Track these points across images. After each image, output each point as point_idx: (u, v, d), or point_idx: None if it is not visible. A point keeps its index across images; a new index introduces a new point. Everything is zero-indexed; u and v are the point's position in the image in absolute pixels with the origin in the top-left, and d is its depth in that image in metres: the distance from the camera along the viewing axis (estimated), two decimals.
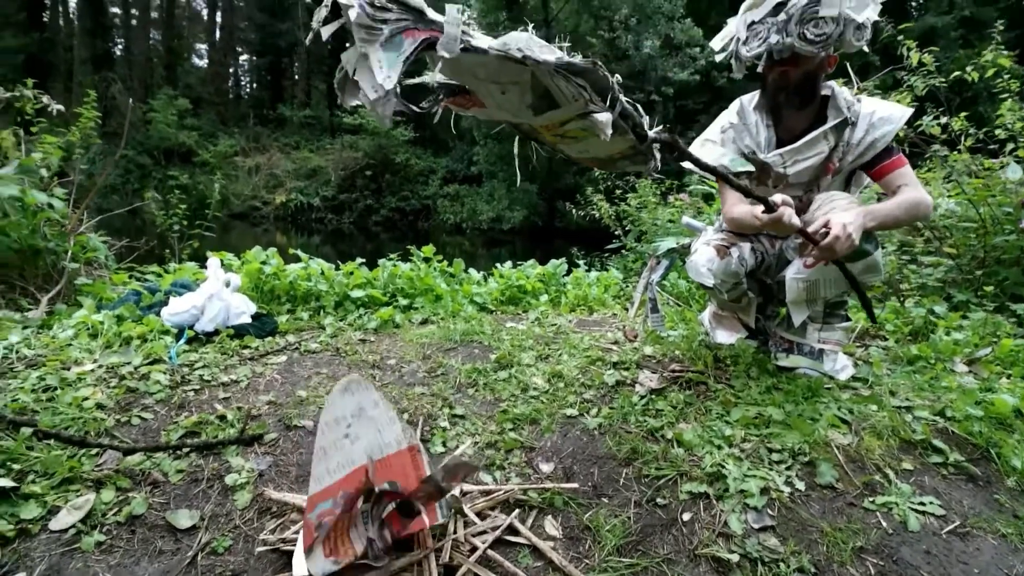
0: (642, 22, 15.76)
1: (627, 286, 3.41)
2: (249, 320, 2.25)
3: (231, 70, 28.45)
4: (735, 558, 1.04)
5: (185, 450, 1.42)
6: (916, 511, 1.15)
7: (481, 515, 1.21)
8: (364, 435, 1.02)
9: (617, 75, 1.08)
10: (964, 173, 2.85)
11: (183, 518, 1.22)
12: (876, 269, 1.60)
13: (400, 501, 1.04)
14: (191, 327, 2.07)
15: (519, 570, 1.04)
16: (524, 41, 0.95)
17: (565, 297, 3.08)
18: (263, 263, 2.76)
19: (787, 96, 1.62)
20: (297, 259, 3.01)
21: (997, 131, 3.14)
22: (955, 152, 2.97)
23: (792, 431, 1.36)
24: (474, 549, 1.10)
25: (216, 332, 2.10)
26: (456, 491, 1.25)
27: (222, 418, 1.57)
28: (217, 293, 2.13)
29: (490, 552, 1.09)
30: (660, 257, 2.04)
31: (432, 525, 1.09)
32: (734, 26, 1.66)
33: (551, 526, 1.18)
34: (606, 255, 4.90)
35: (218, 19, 28.04)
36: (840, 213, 1.42)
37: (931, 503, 1.17)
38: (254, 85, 29.80)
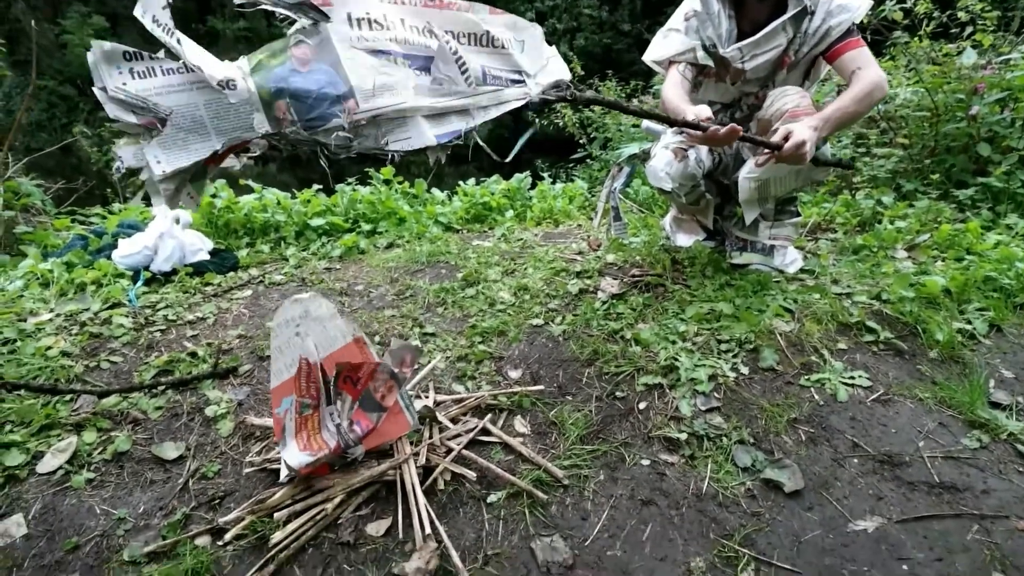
0: None
1: (592, 196, 3.41)
2: (207, 257, 2.20)
3: None
4: (684, 436, 1.16)
5: (160, 388, 1.45)
6: (846, 384, 1.27)
7: (455, 421, 1.30)
8: (312, 332, 1.09)
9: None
10: (923, 60, 2.83)
11: (169, 450, 1.27)
12: (826, 168, 1.63)
13: (362, 397, 1.11)
14: (147, 268, 2.02)
15: (491, 464, 1.14)
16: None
17: (531, 211, 3.07)
18: (213, 196, 2.65)
19: None
20: (250, 190, 2.89)
21: (960, 14, 3.08)
22: (916, 39, 2.93)
23: (740, 323, 1.45)
24: (450, 451, 1.19)
25: (174, 271, 2.06)
26: (430, 402, 1.33)
27: (193, 355, 1.59)
28: (168, 231, 2.06)
29: (464, 452, 1.19)
30: (622, 164, 2.03)
31: (406, 432, 1.16)
32: None
33: (520, 425, 1.28)
34: (571, 165, 4.83)
35: None
36: (798, 126, 1.41)
37: (860, 376, 1.29)
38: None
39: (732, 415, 1.21)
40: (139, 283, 1.93)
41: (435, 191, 3.30)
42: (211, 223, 2.58)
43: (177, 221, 2.10)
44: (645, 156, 1.93)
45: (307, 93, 1.00)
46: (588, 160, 4.54)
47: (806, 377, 1.30)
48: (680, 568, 0.92)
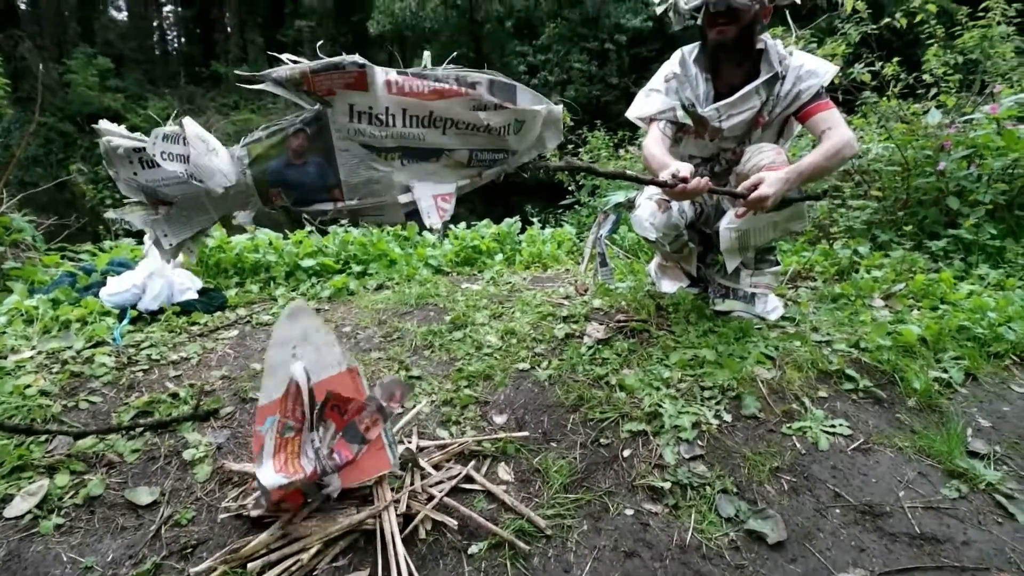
0: None
1: (580, 241, 3.48)
2: (195, 296, 2.20)
3: (155, 23, 26.03)
4: (667, 485, 1.16)
5: (139, 430, 1.42)
6: (827, 433, 1.29)
7: (438, 467, 1.28)
8: (307, 356, 1.09)
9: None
10: (892, 118, 3.00)
11: (143, 495, 1.24)
12: (801, 217, 1.70)
13: (346, 428, 1.10)
14: (134, 307, 2.01)
15: (474, 513, 1.12)
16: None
17: (520, 255, 3.12)
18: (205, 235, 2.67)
19: (726, 53, 1.65)
20: (242, 230, 2.92)
21: (925, 76, 3.29)
22: (884, 99, 3.10)
23: (723, 369, 1.47)
24: (431, 498, 1.17)
25: (161, 310, 2.06)
26: (412, 447, 1.32)
27: (174, 396, 1.57)
28: (159, 270, 2.07)
29: (447, 499, 1.17)
30: (608, 212, 2.10)
31: (385, 471, 1.15)
32: None
33: (504, 472, 1.27)
34: (560, 211, 4.94)
35: None
36: (769, 175, 1.49)
37: (840, 425, 1.31)
38: (182, 40, 27.42)
39: (715, 463, 1.21)
40: (124, 321, 1.92)
41: (426, 234, 3.35)
42: (202, 262, 2.59)
43: (168, 260, 2.11)
44: (631, 204, 2.00)
45: (300, 184, 1.12)
46: (576, 206, 4.65)
47: (788, 425, 1.31)
48: None
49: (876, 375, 1.50)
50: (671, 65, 1.78)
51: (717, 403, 1.38)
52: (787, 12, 1.91)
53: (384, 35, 19.81)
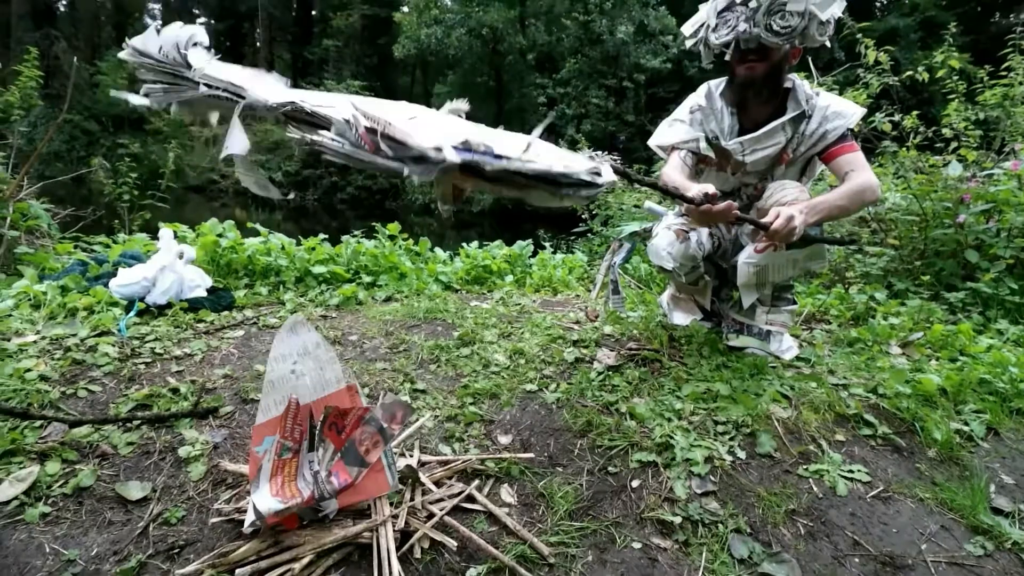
0: (616, 7, 15.77)
1: (591, 268, 3.47)
2: (204, 294, 2.19)
3: None
4: (678, 520, 1.11)
5: (136, 422, 1.39)
6: (845, 478, 1.23)
7: (439, 484, 1.24)
8: (308, 372, 1.06)
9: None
10: (911, 169, 3.00)
11: (134, 489, 1.20)
12: (821, 256, 1.68)
13: (345, 449, 1.06)
14: (142, 299, 2.00)
15: (474, 534, 1.08)
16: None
17: (530, 278, 3.11)
18: (219, 235, 2.68)
19: (754, 89, 1.66)
20: (256, 233, 2.93)
21: (944, 130, 3.31)
22: (903, 149, 3.12)
23: (737, 405, 1.43)
24: (431, 516, 1.13)
25: (169, 305, 2.04)
26: (413, 462, 1.27)
27: (175, 391, 1.54)
28: (170, 265, 2.06)
29: (447, 518, 1.12)
30: (623, 240, 2.09)
31: (384, 493, 1.10)
32: (704, 12, 1.69)
33: (507, 493, 1.22)
34: (572, 238, 4.95)
35: None
36: (788, 206, 1.48)
37: (859, 471, 1.26)
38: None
39: (728, 501, 1.16)
40: (131, 313, 1.90)
41: (438, 250, 3.35)
42: (213, 261, 2.58)
43: (180, 256, 2.11)
44: (646, 235, 1.99)
45: None
46: (589, 235, 4.66)
47: (804, 467, 1.26)
48: None
49: (895, 422, 1.46)
50: (697, 97, 1.79)
51: (731, 439, 1.33)
52: (810, 60, 1.94)
53: (408, 59, 20.32)
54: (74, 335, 1.73)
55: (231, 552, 1.02)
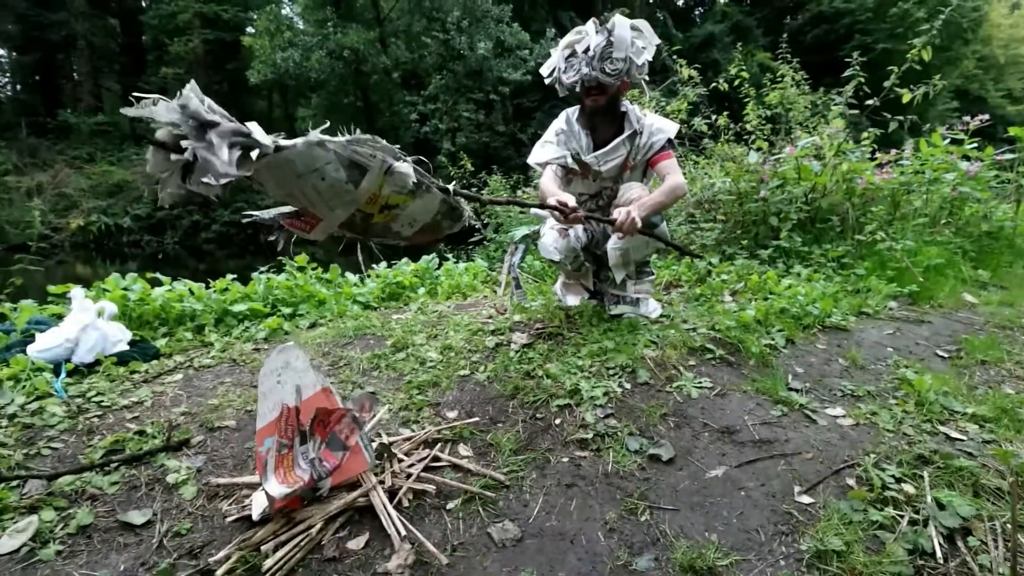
0: (473, 24, 16.45)
1: (492, 272, 3.89)
2: (127, 347, 2.23)
3: None
4: (591, 436, 1.53)
5: (113, 465, 1.51)
6: (696, 387, 1.75)
7: (408, 454, 1.55)
8: (290, 381, 1.31)
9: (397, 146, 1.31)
10: (724, 159, 3.83)
11: (136, 516, 1.35)
12: (664, 236, 2.24)
13: (329, 439, 1.34)
14: (68, 360, 2.02)
15: (447, 479, 1.41)
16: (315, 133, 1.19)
17: (440, 287, 3.44)
18: (126, 289, 2.67)
19: (599, 115, 2.17)
20: (158, 282, 2.93)
21: (748, 126, 4.23)
22: (718, 143, 3.95)
23: (621, 354, 1.91)
24: (409, 476, 1.43)
25: (97, 362, 2.08)
26: (384, 440, 1.57)
27: (141, 433, 1.66)
28: (92, 323, 2.09)
29: (422, 475, 1.44)
30: (517, 243, 2.51)
31: (365, 470, 1.39)
32: (556, 59, 2.17)
33: (464, 450, 1.56)
34: (471, 247, 5.35)
35: None
36: (627, 205, 1.98)
37: (705, 381, 1.79)
38: (18, 87, 24.29)
39: (623, 417, 1.61)
40: (63, 375, 1.93)
41: (348, 275, 3.55)
42: (125, 315, 2.58)
43: (101, 313, 2.15)
44: (535, 236, 2.43)
45: None
46: (484, 242, 5.09)
47: (670, 385, 1.76)
48: (599, 523, 1.26)
49: (727, 347, 2.03)
50: (559, 123, 2.27)
51: (619, 377, 1.80)
52: (643, 82, 2.52)
53: (264, 84, 19.23)
54: (11, 403, 1.75)
55: (251, 536, 1.25)
